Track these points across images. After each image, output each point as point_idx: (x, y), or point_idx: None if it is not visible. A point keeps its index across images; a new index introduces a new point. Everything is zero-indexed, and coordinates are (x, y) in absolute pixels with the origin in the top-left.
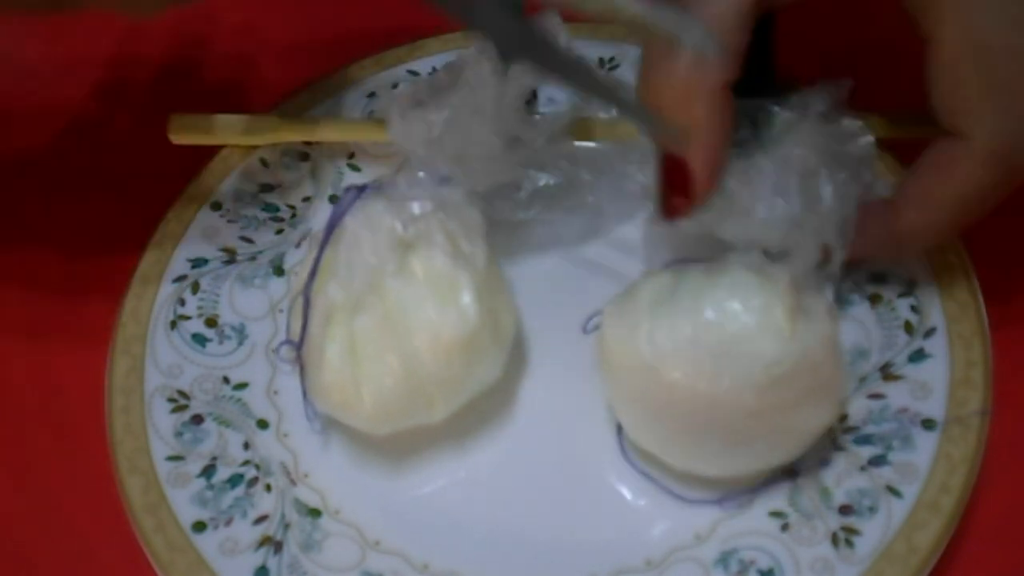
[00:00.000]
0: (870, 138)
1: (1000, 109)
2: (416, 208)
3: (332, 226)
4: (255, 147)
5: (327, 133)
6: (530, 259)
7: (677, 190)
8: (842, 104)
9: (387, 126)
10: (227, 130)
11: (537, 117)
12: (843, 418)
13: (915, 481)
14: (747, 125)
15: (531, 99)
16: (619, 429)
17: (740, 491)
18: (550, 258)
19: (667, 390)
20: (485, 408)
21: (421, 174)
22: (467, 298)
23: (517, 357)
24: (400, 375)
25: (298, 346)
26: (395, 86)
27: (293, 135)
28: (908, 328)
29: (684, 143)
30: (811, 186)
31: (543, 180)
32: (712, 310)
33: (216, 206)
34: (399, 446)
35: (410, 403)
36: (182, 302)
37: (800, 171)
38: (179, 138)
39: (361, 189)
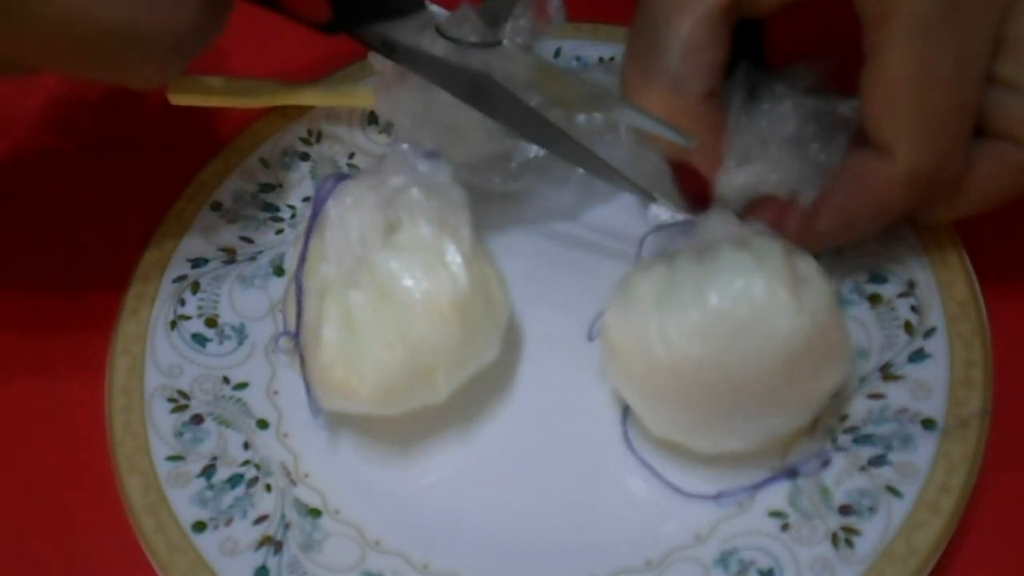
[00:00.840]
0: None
1: (929, 136)
2: (398, 183)
3: (316, 212)
4: (255, 148)
5: (322, 98)
6: (520, 234)
7: (689, 190)
8: (828, 79)
9: (374, 98)
10: (224, 92)
11: None
12: (843, 418)
13: (915, 481)
14: (742, 93)
15: None
16: (624, 417)
17: (738, 489)
18: (540, 233)
19: (687, 385)
20: (483, 407)
21: (405, 146)
22: (456, 262)
23: (514, 347)
24: (399, 346)
25: (295, 335)
26: None
27: (289, 99)
28: (908, 328)
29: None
30: (802, 142)
31: (532, 151)
32: (717, 296)
33: (216, 206)
34: (398, 448)
35: (411, 377)
36: (182, 302)
37: (791, 127)
38: (177, 99)
39: (340, 176)
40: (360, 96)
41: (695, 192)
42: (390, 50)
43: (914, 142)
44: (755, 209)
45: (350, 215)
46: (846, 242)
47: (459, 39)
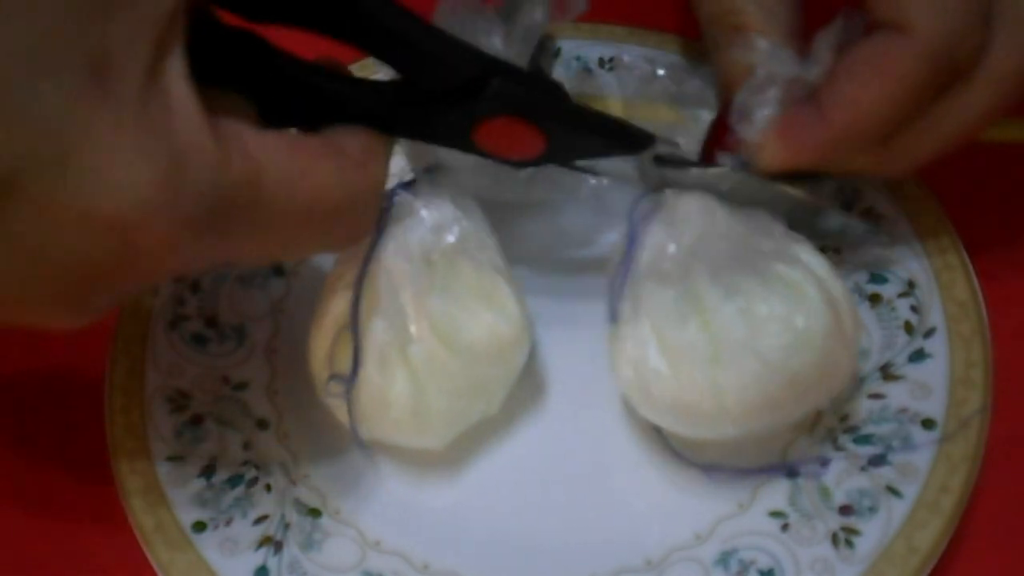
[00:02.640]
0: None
1: (952, 6)
2: (439, 220)
3: (367, 261)
4: None
5: None
6: (530, 244)
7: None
8: None
9: None
10: None
11: None
12: (843, 418)
13: (915, 481)
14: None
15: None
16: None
17: (729, 469)
18: (550, 243)
19: (728, 421)
20: None
21: (403, 159)
22: (508, 299)
23: None
24: (465, 390)
25: (348, 381)
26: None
27: None
28: (908, 328)
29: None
30: None
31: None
32: (770, 350)
33: None
34: (398, 448)
35: (473, 405)
36: (182, 302)
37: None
38: None
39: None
40: None
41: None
42: (578, 168)
43: (936, 10)
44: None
45: (401, 263)
46: (864, 144)
47: (676, 161)
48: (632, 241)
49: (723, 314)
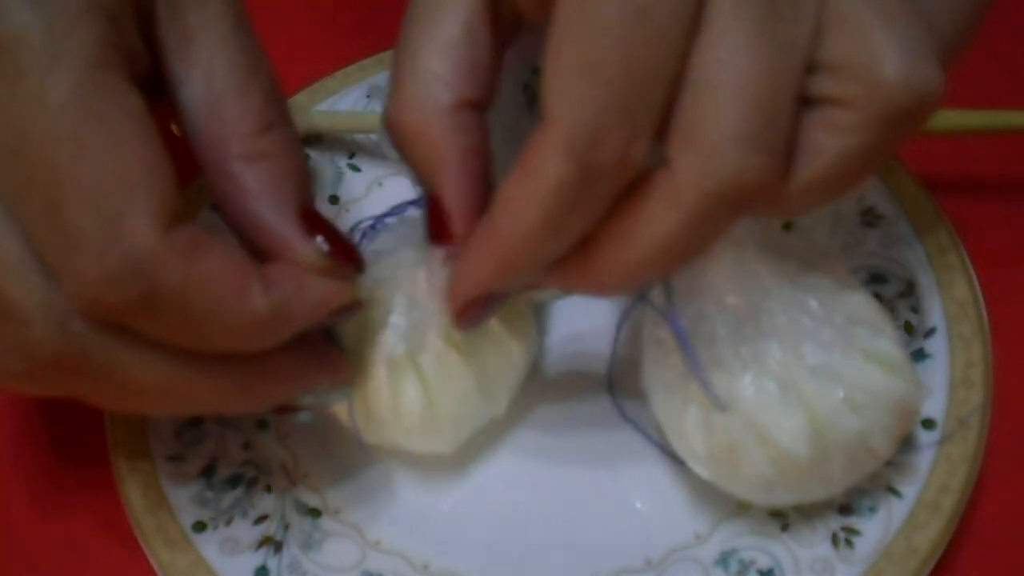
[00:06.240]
0: None
1: (586, 95)
2: None
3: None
4: None
5: (333, 123)
6: None
7: (438, 226)
8: None
9: (381, 143)
10: None
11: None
12: None
13: (915, 481)
14: None
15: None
16: (610, 389)
17: None
18: None
19: (773, 474)
20: None
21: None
22: (519, 306)
23: None
24: (474, 389)
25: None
26: None
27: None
28: (908, 328)
29: (432, 179)
30: None
31: None
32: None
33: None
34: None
35: (482, 408)
36: None
37: None
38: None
39: (385, 216)
40: (372, 122)
41: (437, 226)
42: None
43: (571, 100)
44: None
45: (411, 281)
46: (533, 257)
47: None
48: (684, 341)
49: (827, 405)
